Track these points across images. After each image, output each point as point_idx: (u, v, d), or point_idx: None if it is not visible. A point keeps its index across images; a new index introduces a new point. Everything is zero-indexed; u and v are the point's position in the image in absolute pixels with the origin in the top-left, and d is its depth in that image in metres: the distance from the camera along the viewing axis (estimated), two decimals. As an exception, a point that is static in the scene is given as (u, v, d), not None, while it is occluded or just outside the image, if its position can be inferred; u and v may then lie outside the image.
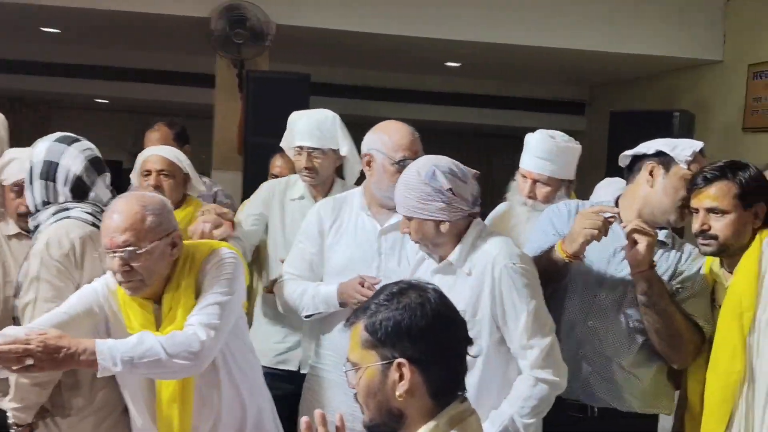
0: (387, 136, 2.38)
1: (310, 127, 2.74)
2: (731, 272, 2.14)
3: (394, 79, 7.86)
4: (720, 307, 2.13)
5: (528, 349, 2.01)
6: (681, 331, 2.11)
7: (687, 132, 4.86)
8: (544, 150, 2.65)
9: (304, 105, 4.84)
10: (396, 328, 1.34)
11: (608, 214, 2.14)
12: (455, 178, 2.04)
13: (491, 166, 9.85)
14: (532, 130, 2.78)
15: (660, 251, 2.17)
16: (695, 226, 2.11)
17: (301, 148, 2.74)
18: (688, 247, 2.26)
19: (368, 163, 2.41)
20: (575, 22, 5.50)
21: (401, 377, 1.33)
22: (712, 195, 2.06)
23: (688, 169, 2.13)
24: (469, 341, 1.41)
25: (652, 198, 2.18)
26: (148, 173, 2.87)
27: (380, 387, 1.35)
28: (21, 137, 2.80)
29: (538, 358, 2.00)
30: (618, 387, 2.20)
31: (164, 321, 2.01)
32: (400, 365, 1.33)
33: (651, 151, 2.20)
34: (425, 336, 1.34)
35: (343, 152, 2.77)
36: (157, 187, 2.82)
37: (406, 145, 2.35)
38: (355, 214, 2.47)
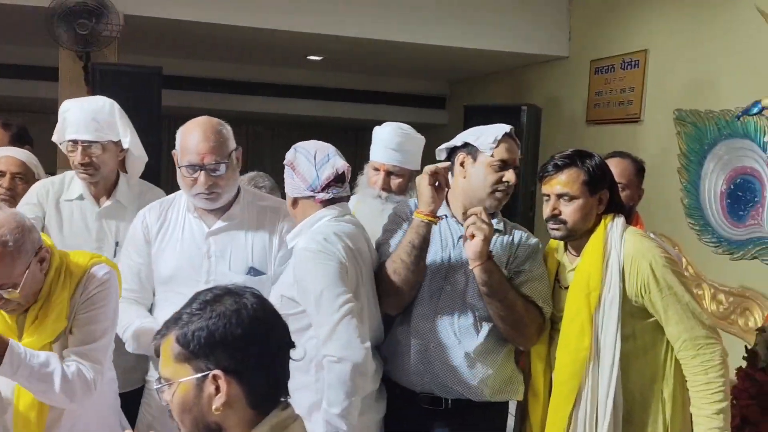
0: (183, 138, 2.24)
1: (84, 118, 2.45)
2: (577, 255, 2.24)
3: (254, 72, 7.72)
4: (566, 288, 2.23)
5: (319, 327, 2.01)
6: (523, 315, 2.18)
7: (535, 125, 5.08)
8: (396, 142, 2.73)
9: (155, 99, 4.69)
10: (210, 338, 1.26)
11: (441, 165, 2.20)
12: (302, 157, 2.16)
13: (358, 159, 9.98)
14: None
15: (494, 237, 2.22)
16: (546, 211, 2.21)
17: (75, 142, 2.45)
18: (518, 232, 2.33)
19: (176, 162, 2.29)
20: (434, 18, 5.60)
21: (217, 390, 1.26)
22: (563, 181, 2.17)
23: (492, 155, 2.20)
24: (291, 345, 1.35)
25: (467, 188, 2.25)
26: (1, 174, 2.75)
27: (195, 402, 1.27)
28: None
29: (325, 337, 1.99)
30: (468, 376, 2.22)
31: (26, 331, 1.94)
32: (215, 377, 1.26)
33: (459, 143, 2.28)
34: (242, 344, 1.27)
35: (125, 144, 2.53)
36: (11, 190, 2.72)
37: (195, 150, 2.19)
38: (181, 217, 2.34)
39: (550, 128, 5.82)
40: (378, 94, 8.32)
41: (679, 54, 4.68)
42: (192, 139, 2.21)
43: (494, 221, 2.23)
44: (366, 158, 2.87)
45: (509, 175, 2.21)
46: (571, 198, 2.17)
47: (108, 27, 4.80)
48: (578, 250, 2.24)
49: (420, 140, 2.81)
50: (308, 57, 7.15)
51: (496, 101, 6.63)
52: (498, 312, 2.17)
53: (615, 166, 2.82)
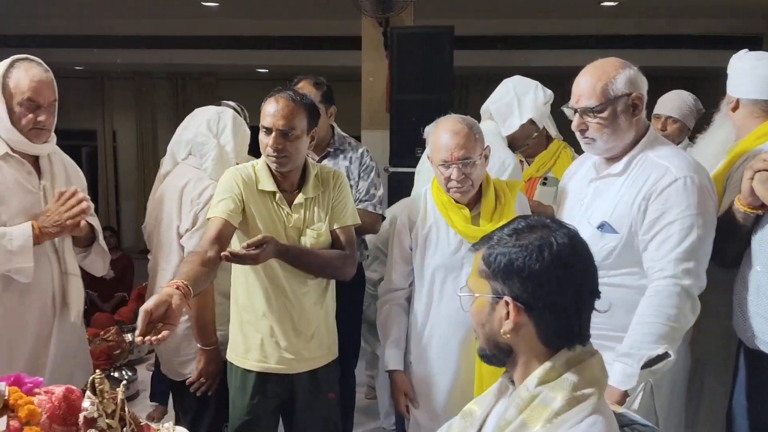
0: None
1: None
2: None
3: (543, 26, 7.52)
4: None
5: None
6: None
7: None
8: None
9: (447, 59, 4.81)
10: (509, 265, 1.29)
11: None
12: None
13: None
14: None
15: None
16: None
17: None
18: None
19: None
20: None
21: (507, 315, 1.30)
22: None
23: None
24: (596, 294, 1.31)
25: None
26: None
27: (488, 319, 1.34)
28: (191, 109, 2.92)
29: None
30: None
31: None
32: (506, 303, 1.30)
33: None
34: (536, 280, 1.28)
35: None
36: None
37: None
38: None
39: None
40: (680, 38, 7.60)
41: None
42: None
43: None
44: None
45: None
46: None
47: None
48: None
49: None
50: (601, 4, 6.78)
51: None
52: None
53: None
